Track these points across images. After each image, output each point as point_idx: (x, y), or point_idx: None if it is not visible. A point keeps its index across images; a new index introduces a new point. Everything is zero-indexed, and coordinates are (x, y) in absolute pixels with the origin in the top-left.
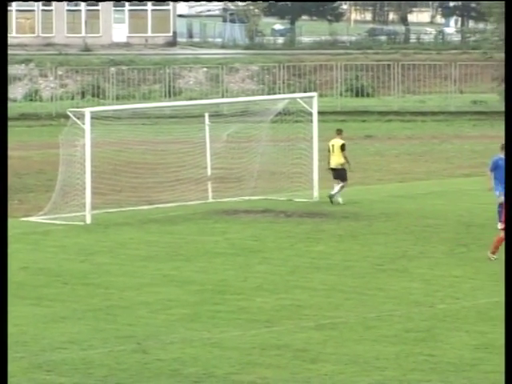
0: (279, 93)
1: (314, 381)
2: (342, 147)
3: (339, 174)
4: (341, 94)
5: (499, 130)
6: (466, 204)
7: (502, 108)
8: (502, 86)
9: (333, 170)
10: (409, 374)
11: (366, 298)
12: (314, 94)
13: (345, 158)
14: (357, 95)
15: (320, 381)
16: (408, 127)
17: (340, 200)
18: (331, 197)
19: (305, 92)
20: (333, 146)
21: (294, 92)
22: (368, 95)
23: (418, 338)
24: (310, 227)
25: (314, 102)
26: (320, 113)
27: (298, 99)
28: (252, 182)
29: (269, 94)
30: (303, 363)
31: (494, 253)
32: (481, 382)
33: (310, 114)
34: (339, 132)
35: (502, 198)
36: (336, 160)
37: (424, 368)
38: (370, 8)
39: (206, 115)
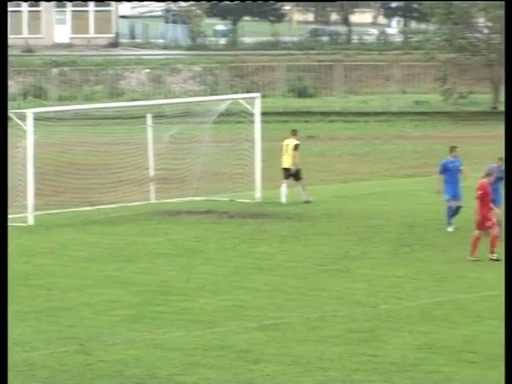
0: (221, 93)
1: (256, 381)
2: (296, 147)
3: (294, 174)
4: (283, 95)
5: (441, 130)
6: (408, 204)
7: (444, 108)
8: (444, 87)
9: (286, 169)
10: (352, 375)
11: (308, 298)
12: (257, 94)
13: (294, 158)
14: (299, 96)
15: (263, 381)
16: (350, 128)
17: (283, 200)
18: (307, 202)
19: (247, 93)
20: (287, 146)
21: (236, 93)
22: (310, 96)
23: (360, 339)
24: (252, 228)
25: (256, 103)
26: (262, 113)
27: (241, 100)
28: (194, 182)
29: (211, 94)
30: (246, 364)
31: (492, 252)
32: (423, 382)
33: (253, 114)
34: (294, 133)
35: (452, 203)
36: (289, 160)
37: (367, 368)
38: (312, 9)
39: (149, 116)
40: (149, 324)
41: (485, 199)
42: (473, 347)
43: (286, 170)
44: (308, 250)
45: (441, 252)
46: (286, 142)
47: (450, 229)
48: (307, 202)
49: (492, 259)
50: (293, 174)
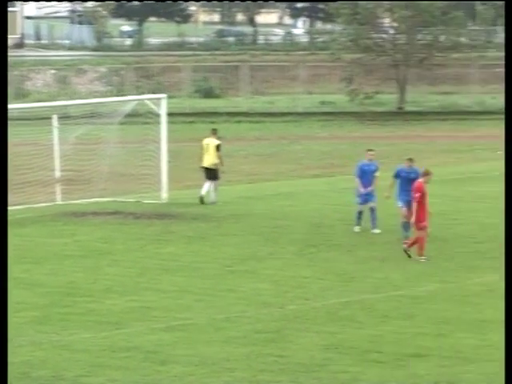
0: (127, 94)
1: (163, 382)
2: (218, 147)
3: (212, 174)
4: (189, 96)
5: (348, 130)
6: (315, 205)
7: (350, 108)
8: (350, 87)
9: (206, 169)
10: (259, 375)
11: (215, 299)
12: (163, 95)
13: (219, 158)
14: (205, 96)
15: (170, 382)
16: (257, 128)
17: (203, 193)
18: (213, 203)
19: (153, 93)
20: (207, 145)
21: (142, 93)
22: (216, 96)
23: (267, 339)
24: (159, 229)
25: (162, 104)
26: (169, 114)
27: (147, 101)
28: (101, 183)
29: (117, 95)
30: (153, 365)
31: (421, 254)
32: (330, 382)
33: (159, 115)
34: (214, 132)
35: (363, 206)
36: (210, 160)
37: (274, 369)
38: (218, 9)
39: (54, 117)
40: (55, 325)
41: (422, 200)
42: (379, 347)
43: (207, 169)
44: (215, 251)
45: (347, 252)
46: (206, 141)
47: (356, 229)
48: (213, 203)
49: (421, 260)
50: (215, 175)
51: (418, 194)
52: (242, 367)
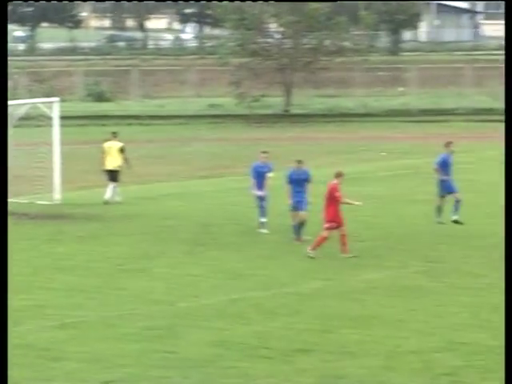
0: (21, 98)
1: (57, 379)
2: (122, 150)
3: (114, 176)
4: (81, 99)
5: (235, 132)
6: (204, 205)
7: (238, 111)
8: (238, 90)
9: (109, 171)
10: (150, 371)
11: (107, 297)
12: (55, 99)
13: (125, 159)
14: (97, 100)
15: (63, 379)
16: (147, 130)
17: (118, 198)
18: (106, 202)
19: (46, 97)
20: (110, 148)
21: (35, 97)
22: (107, 100)
23: (158, 336)
24: (51, 229)
25: (54, 107)
26: (61, 117)
27: (39, 104)
28: None
29: (10, 99)
30: (46, 362)
31: (313, 249)
32: (219, 378)
33: (51, 118)
34: (115, 135)
35: (262, 204)
36: (113, 162)
37: (165, 364)
38: (109, 15)
39: None
40: None
41: (331, 202)
42: (267, 343)
43: (110, 171)
44: (106, 251)
45: (235, 251)
46: (108, 144)
47: (262, 220)
48: (106, 203)
49: (309, 256)
50: (116, 177)
51: (338, 194)
52: (134, 363)
